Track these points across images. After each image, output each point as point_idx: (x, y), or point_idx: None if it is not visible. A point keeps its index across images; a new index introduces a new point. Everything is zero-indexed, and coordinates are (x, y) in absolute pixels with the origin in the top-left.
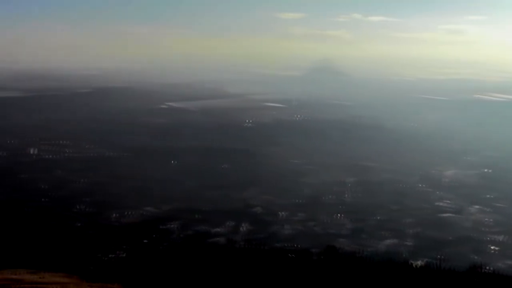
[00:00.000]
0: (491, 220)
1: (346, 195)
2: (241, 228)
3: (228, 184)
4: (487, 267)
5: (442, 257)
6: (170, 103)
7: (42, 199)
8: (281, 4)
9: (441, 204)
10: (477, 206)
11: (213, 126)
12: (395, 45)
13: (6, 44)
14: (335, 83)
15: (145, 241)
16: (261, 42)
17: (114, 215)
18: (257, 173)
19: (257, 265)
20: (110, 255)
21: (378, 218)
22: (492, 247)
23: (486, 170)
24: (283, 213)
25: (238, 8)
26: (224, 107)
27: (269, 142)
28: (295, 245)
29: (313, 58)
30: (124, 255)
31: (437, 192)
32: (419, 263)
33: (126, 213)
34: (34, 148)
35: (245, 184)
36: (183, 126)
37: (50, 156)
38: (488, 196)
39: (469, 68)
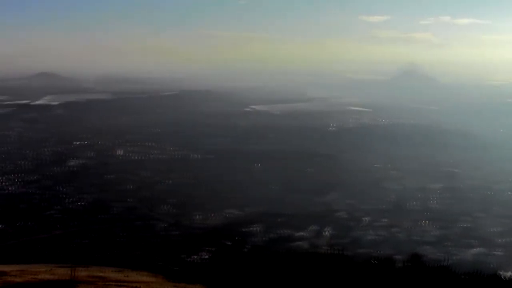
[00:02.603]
0: None
1: (430, 202)
2: (324, 233)
3: (311, 188)
4: None
5: None
6: (253, 106)
7: (128, 199)
8: (365, 6)
9: None
10: None
11: (297, 129)
12: (485, 48)
13: (95, 48)
14: (421, 88)
15: (228, 243)
16: (345, 45)
17: (197, 216)
18: (340, 177)
19: (340, 271)
20: (193, 256)
21: (464, 225)
22: None
23: None
24: (366, 218)
25: (322, 11)
26: (308, 110)
27: (352, 146)
28: (379, 252)
29: (398, 61)
30: (207, 256)
31: None
32: (509, 274)
33: (209, 215)
34: (121, 149)
35: (328, 188)
36: (267, 129)
37: (136, 157)
38: None
39: None
